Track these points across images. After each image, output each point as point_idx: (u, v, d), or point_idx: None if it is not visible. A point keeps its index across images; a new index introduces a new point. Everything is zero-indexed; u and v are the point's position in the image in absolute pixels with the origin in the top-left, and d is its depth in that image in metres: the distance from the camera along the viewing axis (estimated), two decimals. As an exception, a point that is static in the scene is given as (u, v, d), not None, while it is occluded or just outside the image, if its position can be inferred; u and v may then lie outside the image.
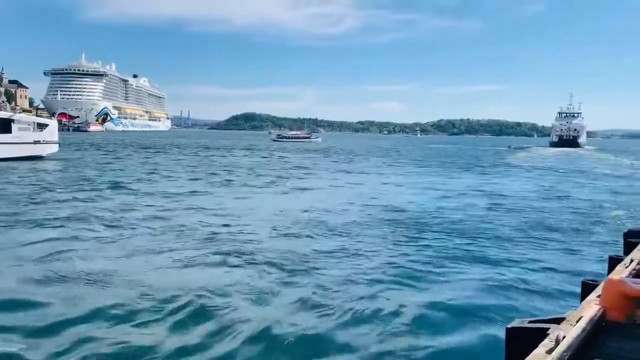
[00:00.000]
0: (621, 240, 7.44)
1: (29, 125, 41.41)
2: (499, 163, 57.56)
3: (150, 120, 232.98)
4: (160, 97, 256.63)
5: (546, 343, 3.07)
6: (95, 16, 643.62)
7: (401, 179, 35.41)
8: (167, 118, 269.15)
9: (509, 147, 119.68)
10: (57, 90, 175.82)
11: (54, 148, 43.73)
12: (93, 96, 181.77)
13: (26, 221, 15.63)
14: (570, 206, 22.00)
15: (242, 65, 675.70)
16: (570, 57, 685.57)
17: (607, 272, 5.59)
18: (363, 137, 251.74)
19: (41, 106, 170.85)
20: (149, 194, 23.01)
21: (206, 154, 61.59)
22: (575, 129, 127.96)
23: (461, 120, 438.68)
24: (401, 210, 19.68)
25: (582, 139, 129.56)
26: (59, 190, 23.38)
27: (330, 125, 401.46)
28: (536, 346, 3.06)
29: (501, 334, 3.90)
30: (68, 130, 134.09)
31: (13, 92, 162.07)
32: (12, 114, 42.09)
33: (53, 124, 45.41)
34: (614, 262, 5.55)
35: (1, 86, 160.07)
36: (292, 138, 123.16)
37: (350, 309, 8.49)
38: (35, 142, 41.13)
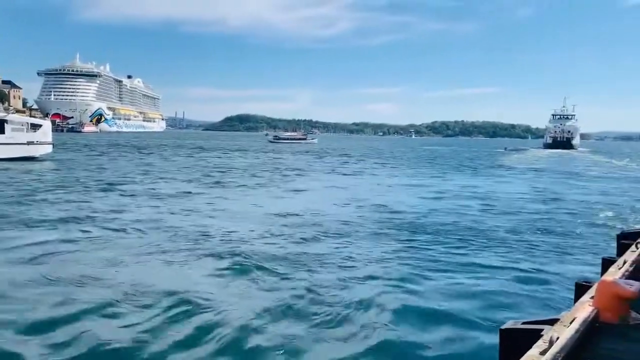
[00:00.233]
0: (614, 242, 7.48)
1: (22, 125, 41.15)
2: (494, 165, 57.74)
3: (144, 121, 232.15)
4: (154, 98, 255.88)
5: (540, 344, 3.07)
6: (89, 16, 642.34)
7: (395, 180, 35.47)
8: (162, 119, 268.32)
9: (505, 148, 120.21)
10: (50, 91, 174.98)
11: (48, 149, 43.48)
12: (87, 97, 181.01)
13: (17, 222, 15.54)
14: (564, 208, 22.09)
15: (236, 67, 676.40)
16: (564, 59, 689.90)
17: (600, 273, 5.60)
18: (358, 139, 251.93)
19: (35, 107, 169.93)
20: (142, 195, 22.93)
21: (202, 155, 61.43)
22: (569, 131, 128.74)
23: (455, 122, 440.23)
24: (396, 211, 19.69)
25: (576, 141, 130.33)
26: (51, 191, 23.24)
27: (325, 127, 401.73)
28: (530, 347, 3.05)
29: (495, 335, 3.89)
30: (62, 131, 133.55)
31: (6, 92, 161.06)
32: (6, 114, 41.83)
33: (47, 124, 45.16)
34: (607, 263, 5.56)
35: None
36: (288, 139, 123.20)
37: (339, 312, 8.45)
38: (29, 143, 40.89)
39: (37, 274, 10.09)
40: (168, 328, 7.67)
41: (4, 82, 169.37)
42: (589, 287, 4.37)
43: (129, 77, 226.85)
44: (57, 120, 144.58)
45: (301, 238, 14.36)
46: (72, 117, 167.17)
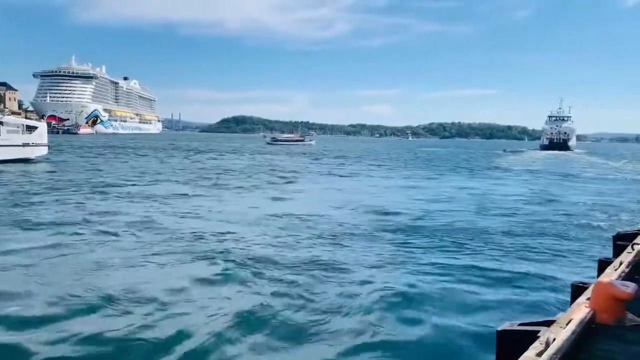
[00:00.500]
0: (610, 243, 7.49)
1: (17, 127, 41.04)
2: (490, 166, 57.88)
3: (141, 122, 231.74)
4: (151, 100, 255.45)
5: (536, 346, 3.06)
6: (85, 18, 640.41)
7: (392, 182, 35.51)
8: (158, 121, 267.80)
9: (504, 150, 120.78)
10: (46, 93, 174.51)
11: (43, 150, 43.39)
12: (83, 98, 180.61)
13: (11, 224, 15.49)
14: (560, 209, 22.14)
15: (233, 69, 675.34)
16: (561, 61, 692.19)
17: (596, 274, 5.60)
18: (355, 141, 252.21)
19: (30, 108, 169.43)
20: (137, 197, 22.87)
21: (198, 157, 61.38)
22: (565, 133, 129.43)
23: (452, 123, 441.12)
24: (392, 213, 19.69)
25: (572, 142, 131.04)
26: (46, 193, 23.18)
27: (322, 128, 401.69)
28: (526, 349, 3.05)
29: (491, 337, 3.88)
30: (58, 132, 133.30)
31: (2, 94, 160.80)
32: (1, 116, 41.76)
33: (42, 126, 45.07)
34: (603, 264, 5.56)
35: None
36: (286, 141, 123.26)
37: (331, 315, 8.42)
38: (24, 145, 40.77)
39: (29, 276, 10.07)
40: (155, 330, 7.64)
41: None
42: (585, 288, 4.36)
43: (125, 78, 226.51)
44: (53, 122, 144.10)
45: (296, 241, 14.30)
46: (68, 119, 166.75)
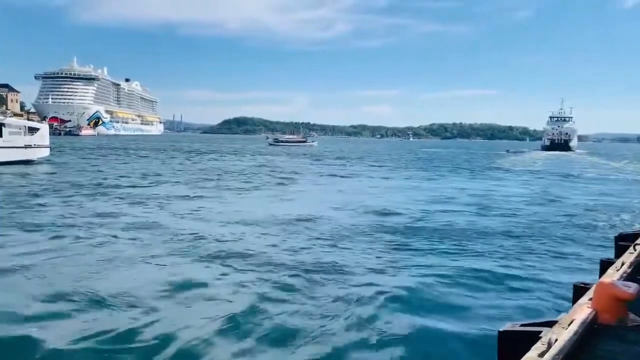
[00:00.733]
0: (612, 244, 7.49)
1: (19, 129, 41.10)
2: (491, 167, 57.82)
3: (142, 124, 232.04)
4: (152, 101, 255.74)
5: (538, 346, 3.07)
6: (85, 18, 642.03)
7: (393, 182, 35.50)
8: (160, 122, 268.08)
9: (507, 150, 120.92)
10: (48, 94, 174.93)
11: (45, 152, 43.47)
12: (85, 100, 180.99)
13: (11, 225, 15.50)
14: (562, 210, 22.10)
15: (234, 70, 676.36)
16: (562, 61, 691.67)
17: (598, 275, 5.61)
18: (356, 141, 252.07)
19: (32, 110, 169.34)
20: (138, 198, 22.87)
21: (200, 158, 61.41)
22: (566, 133, 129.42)
23: (453, 124, 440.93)
24: (393, 214, 19.68)
25: (574, 143, 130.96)
26: (47, 194, 23.21)
27: (323, 129, 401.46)
28: (528, 349, 3.06)
29: (493, 337, 3.89)
30: (59, 134, 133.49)
31: (4, 96, 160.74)
32: (3, 117, 41.76)
33: (44, 127, 45.12)
34: (605, 265, 5.57)
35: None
36: (288, 142, 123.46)
37: (334, 315, 8.42)
38: (26, 146, 40.84)
39: (28, 278, 10.11)
40: (155, 330, 7.66)
41: (1, 85, 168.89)
42: (587, 289, 4.37)
43: (127, 80, 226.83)
44: (55, 123, 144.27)
45: (296, 242, 14.28)
46: (70, 121, 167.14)
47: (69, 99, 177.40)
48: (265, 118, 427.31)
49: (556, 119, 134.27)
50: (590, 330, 3.49)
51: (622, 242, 6.59)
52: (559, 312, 5.18)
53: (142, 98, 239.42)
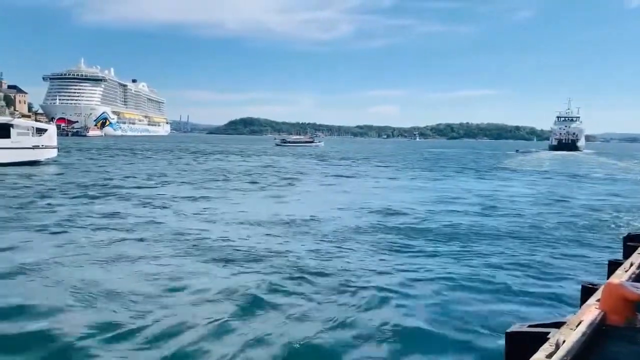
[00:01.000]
0: (621, 244, 7.43)
1: (27, 130, 41.37)
2: (498, 167, 57.61)
3: (149, 125, 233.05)
4: (159, 102, 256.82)
5: (546, 347, 3.05)
6: (91, 20, 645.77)
7: (399, 182, 35.44)
8: (167, 123, 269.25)
9: (517, 150, 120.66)
10: (56, 95, 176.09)
11: (53, 153, 43.73)
12: (92, 101, 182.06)
13: (18, 226, 15.59)
14: (570, 210, 21.98)
15: (240, 70, 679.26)
16: (569, 61, 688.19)
17: (606, 276, 5.57)
18: (362, 142, 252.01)
19: (40, 111, 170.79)
20: (145, 198, 22.96)
21: (207, 159, 61.56)
22: (574, 133, 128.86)
23: (460, 124, 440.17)
24: (400, 214, 19.64)
25: (581, 143, 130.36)
26: (54, 195, 23.35)
27: (329, 130, 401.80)
28: (536, 351, 3.04)
29: (501, 338, 3.87)
30: (67, 135, 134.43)
31: (12, 97, 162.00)
32: (11, 119, 42.15)
33: (52, 128, 45.39)
34: (613, 266, 5.53)
35: (0, 91, 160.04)
36: (295, 142, 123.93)
37: (341, 319, 8.37)
38: (34, 147, 41.10)
39: (32, 278, 10.17)
40: (154, 330, 7.69)
41: (9, 87, 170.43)
42: (595, 289, 4.34)
43: (134, 81, 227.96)
44: (62, 124, 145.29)
45: (300, 242, 14.27)
46: (77, 121, 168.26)
47: (76, 100, 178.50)
48: (271, 119, 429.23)
49: (563, 118, 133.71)
50: (599, 332, 3.47)
51: (631, 243, 6.54)
52: (567, 313, 5.15)
53: (149, 99, 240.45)
